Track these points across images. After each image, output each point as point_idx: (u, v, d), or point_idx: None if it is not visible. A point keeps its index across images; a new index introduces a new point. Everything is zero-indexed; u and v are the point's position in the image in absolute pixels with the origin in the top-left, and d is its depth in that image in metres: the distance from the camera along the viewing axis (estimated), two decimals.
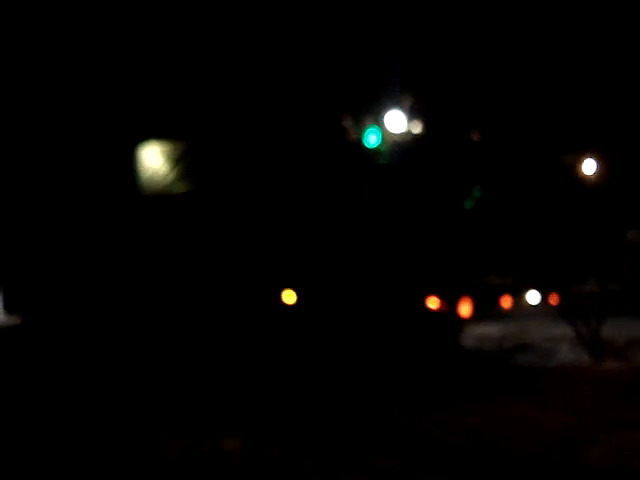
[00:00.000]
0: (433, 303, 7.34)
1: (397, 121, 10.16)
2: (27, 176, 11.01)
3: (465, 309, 7.28)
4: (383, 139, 9.74)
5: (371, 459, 4.78)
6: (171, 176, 9.56)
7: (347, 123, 9.84)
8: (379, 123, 10.05)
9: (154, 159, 9.75)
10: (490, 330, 9.54)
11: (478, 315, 7.33)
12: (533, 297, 8.27)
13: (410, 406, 6.42)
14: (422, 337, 7.44)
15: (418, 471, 4.59)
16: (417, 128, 10.25)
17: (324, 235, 8.17)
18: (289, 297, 8.18)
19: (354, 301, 7.82)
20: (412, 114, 10.18)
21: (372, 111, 10.13)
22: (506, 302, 7.89)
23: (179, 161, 9.53)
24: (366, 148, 9.52)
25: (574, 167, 9.14)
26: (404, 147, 9.53)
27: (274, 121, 9.21)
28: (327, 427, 5.78)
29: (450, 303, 7.31)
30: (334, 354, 7.79)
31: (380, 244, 7.81)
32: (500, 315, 9.18)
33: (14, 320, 11.48)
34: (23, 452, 5.18)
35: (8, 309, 11.58)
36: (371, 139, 9.72)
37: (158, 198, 9.59)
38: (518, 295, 8.22)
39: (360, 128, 9.86)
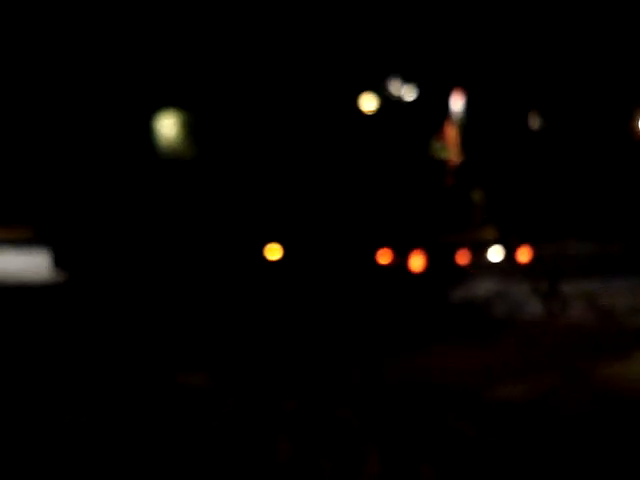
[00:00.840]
0: (384, 255, 7.83)
1: (394, 87, 10.59)
2: (69, 149, 12.28)
3: (416, 263, 7.72)
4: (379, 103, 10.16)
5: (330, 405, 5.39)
6: (182, 142, 10.42)
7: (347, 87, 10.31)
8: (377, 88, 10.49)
9: (169, 127, 10.64)
10: (483, 285, 10.03)
11: (433, 270, 7.73)
12: (496, 253, 8.60)
13: (379, 350, 7.08)
14: (380, 288, 7.98)
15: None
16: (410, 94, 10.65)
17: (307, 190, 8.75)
18: (274, 252, 8.84)
19: (323, 256, 8.44)
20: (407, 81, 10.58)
21: (370, 77, 10.58)
22: (463, 258, 8.24)
23: (189, 129, 10.36)
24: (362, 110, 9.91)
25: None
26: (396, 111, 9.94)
27: (275, 90, 9.79)
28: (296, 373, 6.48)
29: (401, 256, 7.76)
30: (311, 306, 8.45)
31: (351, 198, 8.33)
32: (496, 271, 9.64)
33: (62, 275, 12.86)
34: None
35: (57, 265, 12.93)
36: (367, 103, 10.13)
37: (172, 162, 10.46)
38: (479, 251, 8.56)
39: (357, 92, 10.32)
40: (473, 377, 6.10)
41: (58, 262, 12.69)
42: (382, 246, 7.55)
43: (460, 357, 6.84)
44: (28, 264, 14.54)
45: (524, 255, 8.64)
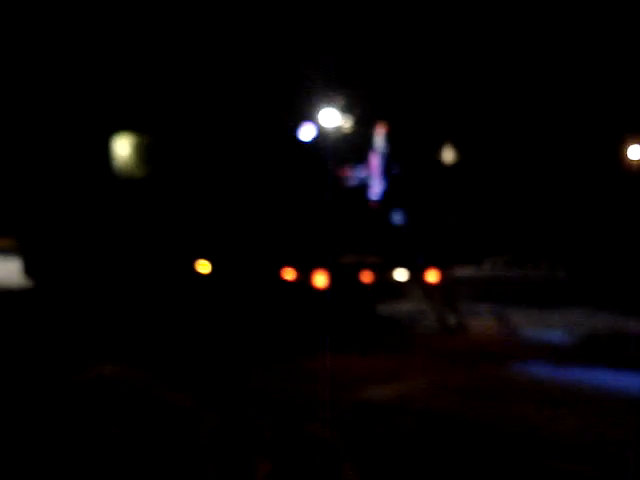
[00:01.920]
0: (288, 274, 8.75)
1: (330, 117, 11.48)
2: (34, 169, 13.40)
3: (319, 280, 8.63)
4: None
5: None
6: (135, 163, 11.40)
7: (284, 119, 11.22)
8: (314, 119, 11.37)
9: (124, 149, 11.63)
10: (405, 305, 10.92)
11: (336, 287, 8.62)
12: (401, 274, 9.48)
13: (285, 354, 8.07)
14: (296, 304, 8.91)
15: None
16: (348, 124, 11.55)
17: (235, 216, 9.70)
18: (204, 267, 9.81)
19: (241, 270, 9.40)
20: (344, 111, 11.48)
21: (308, 108, 11.49)
22: (366, 277, 9.12)
23: (141, 151, 11.34)
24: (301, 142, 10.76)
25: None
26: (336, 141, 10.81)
27: (217, 118, 10.74)
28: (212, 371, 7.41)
29: (304, 274, 8.68)
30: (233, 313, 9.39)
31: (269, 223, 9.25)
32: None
33: (31, 282, 13.88)
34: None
35: (27, 273, 13.99)
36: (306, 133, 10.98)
37: (127, 181, 11.43)
38: (384, 272, 9.43)
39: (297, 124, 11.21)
40: (351, 380, 6.94)
41: (27, 271, 13.78)
42: (286, 265, 8.47)
43: (347, 364, 7.68)
44: (9, 270, 15.57)
45: (432, 277, 9.51)
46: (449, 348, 8.48)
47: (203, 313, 9.49)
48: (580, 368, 7.36)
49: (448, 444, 5.02)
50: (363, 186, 10.24)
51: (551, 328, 9.76)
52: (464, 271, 11.75)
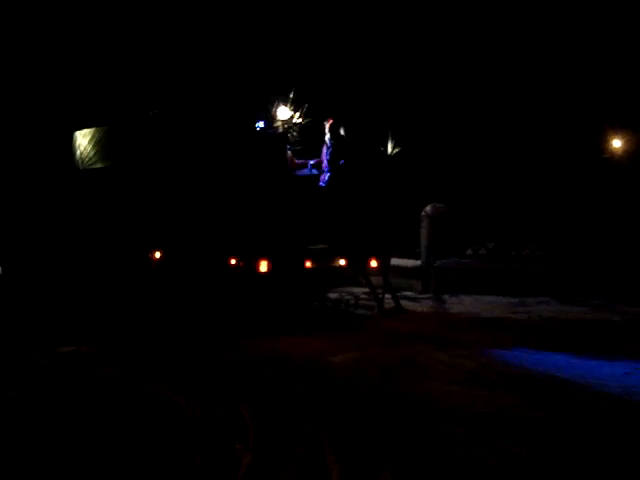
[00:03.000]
0: (234, 261, 9.38)
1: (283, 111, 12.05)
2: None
3: (262, 266, 9.26)
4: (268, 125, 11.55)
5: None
6: (95, 155, 11.90)
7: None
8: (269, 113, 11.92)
9: (84, 142, 12.13)
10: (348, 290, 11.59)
11: (277, 272, 9.24)
12: (343, 262, 10.14)
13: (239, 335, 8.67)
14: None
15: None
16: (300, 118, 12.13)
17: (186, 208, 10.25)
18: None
19: (195, 258, 9.99)
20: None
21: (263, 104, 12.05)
22: (309, 264, 9.76)
23: (100, 143, 11.83)
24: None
25: None
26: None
27: (172, 114, 11.25)
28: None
29: (248, 262, 9.31)
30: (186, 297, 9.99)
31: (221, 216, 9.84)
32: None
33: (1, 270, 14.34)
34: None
35: None
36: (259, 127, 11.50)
37: (87, 172, 11.93)
38: (326, 259, 10.08)
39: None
40: (316, 350, 7.90)
41: None
42: (231, 255, 9.10)
43: (306, 341, 8.39)
44: None
45: (373, 264, 10.17)
46: (385, 329, 9.13)
47: (160, 298, 10.06)
48: (516, 352, 7.81)
49: (373, 408, 5.67)
50: (312, 177, 10.82)
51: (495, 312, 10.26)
52: (445, 261, 12.37)
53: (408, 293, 11.94)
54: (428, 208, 12.96)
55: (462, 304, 11.13)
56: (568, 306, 10.76)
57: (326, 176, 10.96)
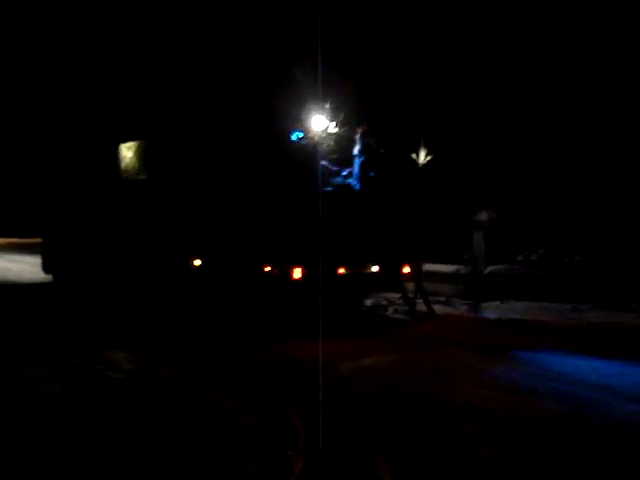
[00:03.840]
0: (268, 268, 9.67)
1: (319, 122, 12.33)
2: (53, 179, 14.60)
3: (296, 273, 9.52)
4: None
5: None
6: (138, 166, 12.40)
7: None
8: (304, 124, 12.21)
9: (129, 154, 12.64)
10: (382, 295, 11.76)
11: (311, 279, 9.47)
12: (376, 268, 10.31)
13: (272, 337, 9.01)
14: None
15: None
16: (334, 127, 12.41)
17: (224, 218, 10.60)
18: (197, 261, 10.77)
19: (232, 265, 10.31)
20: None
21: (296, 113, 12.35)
22: (342, 270, 9.97)
23: (143, 156, 12.32)
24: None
25: None
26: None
27: (210, 126, 11.66)
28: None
29: (282, 269, 9.58)
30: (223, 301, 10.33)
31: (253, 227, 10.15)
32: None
33: (49, 277, 15.04)
34: None
35: (45, 270, 15.17)
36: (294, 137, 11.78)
37: (131, 182, 12.44)
38: (359, 266, 10.27)
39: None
40: (352, 352, 8.18)
41: (45, 269, 14.98)
42: (266, 262, 9.40)
43: (342, 344, 8.64)
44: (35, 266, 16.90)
45: (405, 270, 10.34)
46: (418, 334, 9.28)
47: (200, 303, 10.41)
48: (550, 356, 7.85)
49: (400, 407, 5.89)
50: (346, 185, 11.03)
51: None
52: (496, 267, 12.38)
53: (443, 299, 12.01)
54: (479, 214, 12.89)
55: (512, 310, 11.13)
56: (620, 313, 10.65)
57: (360, 185, 11.13)
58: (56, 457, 4.94)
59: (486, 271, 12.12)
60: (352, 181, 11.22)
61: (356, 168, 11.08)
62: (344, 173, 11.30)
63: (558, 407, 5.92)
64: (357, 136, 11.10)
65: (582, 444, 5.09)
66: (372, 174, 10.74)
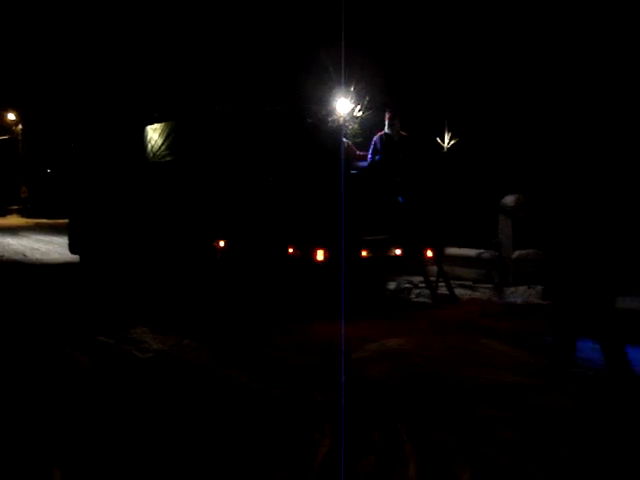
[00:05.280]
0: (292, 250, 9.72)
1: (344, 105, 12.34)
2: (78, 159, 14.79)
3: (319, 255, 9.56)
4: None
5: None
6: (164, 148, 12.49)
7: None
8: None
9: (155, 136, 12.73)
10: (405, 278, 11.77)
11: (334, 261, 9.51)
12: (399, 251, 10.32)
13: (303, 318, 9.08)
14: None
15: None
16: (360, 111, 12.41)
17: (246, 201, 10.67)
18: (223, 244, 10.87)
19: (256, 247, 10.38)
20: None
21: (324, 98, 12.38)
22: (364, 253, 9.99)
23: (169, 138, 12.40)
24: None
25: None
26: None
27: (237, 109, 11.69)
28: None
29: (305, 251, 9.63)
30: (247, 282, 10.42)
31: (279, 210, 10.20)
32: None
33: (76, 258, 15.28)
34: None
35: (72, 250, 15.42)
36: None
37: (158, 164, 12.54)
38: (382, 249, 10.28)
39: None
40: (375, 334, 8.20)
41: (72, 249, 15.23)
42: (290, 243, 9.45)
43: (364, 326, 8.69)
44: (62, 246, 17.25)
45: (428, 253, 10.34)
46: (439, 317, 9.30)
47: (225, 285, 10.52)
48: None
49: (423, 390, 5.95)
50: (372, 169, 11.01)
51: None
52: (523, 251, 12.23)
53: (469, 283, 11.97)
54: (506, 198, 12.70)
55: (539, 295, 11.01)
56: None
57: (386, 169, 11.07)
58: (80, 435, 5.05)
59: (513, 256, 12.00)
60: (375, 161, 11.15)
61: (383, 151, 11.03)
62: (369, 157, 11.28)
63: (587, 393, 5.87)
64: (386, 120, 11.05)
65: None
66: (401, 156, 10.70)
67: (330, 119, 11.60)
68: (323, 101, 11.92)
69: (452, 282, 10.76)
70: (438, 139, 10.74)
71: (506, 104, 15.91)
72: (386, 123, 11.04)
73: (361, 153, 11.39)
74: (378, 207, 10.21)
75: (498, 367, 6.75)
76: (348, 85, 11.88)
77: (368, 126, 11.73)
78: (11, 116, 40.43)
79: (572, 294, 5.87)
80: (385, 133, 10.91)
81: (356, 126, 11.59)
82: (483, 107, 13.84)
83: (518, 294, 11.07)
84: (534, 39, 16.01)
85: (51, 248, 19.25)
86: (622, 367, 5.81)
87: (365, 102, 11.88)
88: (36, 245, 20.44)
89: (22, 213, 38.05)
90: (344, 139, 11.25)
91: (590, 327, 5.98)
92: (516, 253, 12.06)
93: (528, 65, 15.19)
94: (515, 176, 14.40)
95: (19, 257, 17.34)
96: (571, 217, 5.97)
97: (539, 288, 11.23)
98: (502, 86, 14.96)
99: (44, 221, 32.66)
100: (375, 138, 10.85)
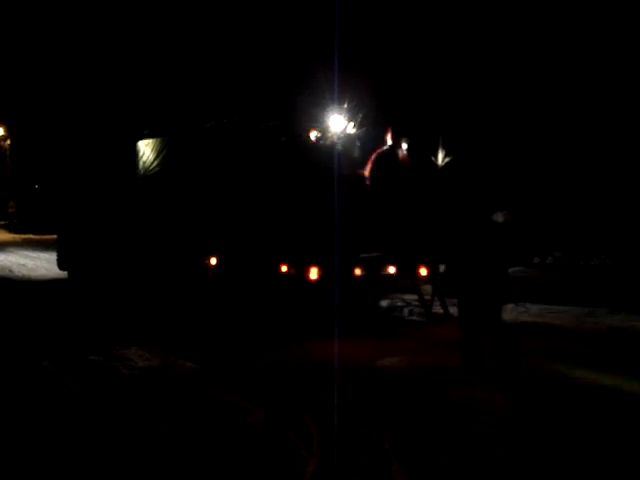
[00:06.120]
0: (285, 268, 9.58)
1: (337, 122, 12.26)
2: (68, 174, 14.66)
3: (312, 273, 9.42)
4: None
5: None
6: (156, 164, 12.37)
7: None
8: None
9: (147, 151, 12.62)
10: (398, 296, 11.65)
11: (327, 280, 9.38)
12: (393, 269, 10.20)
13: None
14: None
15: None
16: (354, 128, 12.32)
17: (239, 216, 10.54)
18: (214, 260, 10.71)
19: (249, 265, 10.25)
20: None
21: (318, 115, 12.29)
22: (358, 271, 9.86)
23: (161, 153, 12.28)
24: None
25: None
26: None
27: (225, 125, 11.60)
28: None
29: (298, 269, 9.50)
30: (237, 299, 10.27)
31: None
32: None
33: (65, 274, 15.09)
34: None
35: (60, 266, 15.22)
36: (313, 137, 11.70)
37: (149, 178, 12.42)
38: (376, 267, 10.15)
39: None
40: (368, 353, 8.13)
41: (61, 265, 15.03)
42: (283, 261, 9.31)
43: (357, 345, 8.60)
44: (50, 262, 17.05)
45: (422, 272, 10.22)
46: (433, 336, 9.16)
47: (216, 302, 10.36)
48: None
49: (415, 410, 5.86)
50: (365, 186, 10.90)
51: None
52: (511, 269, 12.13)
53: None
54: (495, 216, 12.60)
55: (527, 313, 10.93)
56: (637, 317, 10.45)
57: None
58: (61, 454, 4.92)
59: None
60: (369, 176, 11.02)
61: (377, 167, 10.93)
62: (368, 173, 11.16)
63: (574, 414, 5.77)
64: (386, 137, 10.95)
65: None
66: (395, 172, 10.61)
67: (324, 137, 11.46)
68: (316, 117, 11.81)
69: (447, 300, 10.63)
70: (432, 157, 10.63)
71: (498, 123, 15.94)
72: (386, 139, 10.95)
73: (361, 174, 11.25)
74: (372, 224, 10.09)
75: (491, 386, 6.63)
76: (342, 102, 11.79)
77: (366, 143, 11.60)
78: None
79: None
80: (384, 150, 10.83)
81: (358, 143, 11.46)
82: (476, 125, 13.85)
83: (506, 312, 10.93)
84: (523, 58, 16.08)
85: (39, 264, 19.00)
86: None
87: (359, 119, 11.78)
88: (23, 261, 20.18)
89: (9, 228, 37.70)
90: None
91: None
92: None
93: (522, 83, 15.23)
94: (506, 193, 14.41)
95: (5, 273, 17.10)
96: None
97: (528, 306, 11.16)
98: (494, 105, 14.99)
99: (32, 237, 32.35)
100: (374, 155, 10.76)
